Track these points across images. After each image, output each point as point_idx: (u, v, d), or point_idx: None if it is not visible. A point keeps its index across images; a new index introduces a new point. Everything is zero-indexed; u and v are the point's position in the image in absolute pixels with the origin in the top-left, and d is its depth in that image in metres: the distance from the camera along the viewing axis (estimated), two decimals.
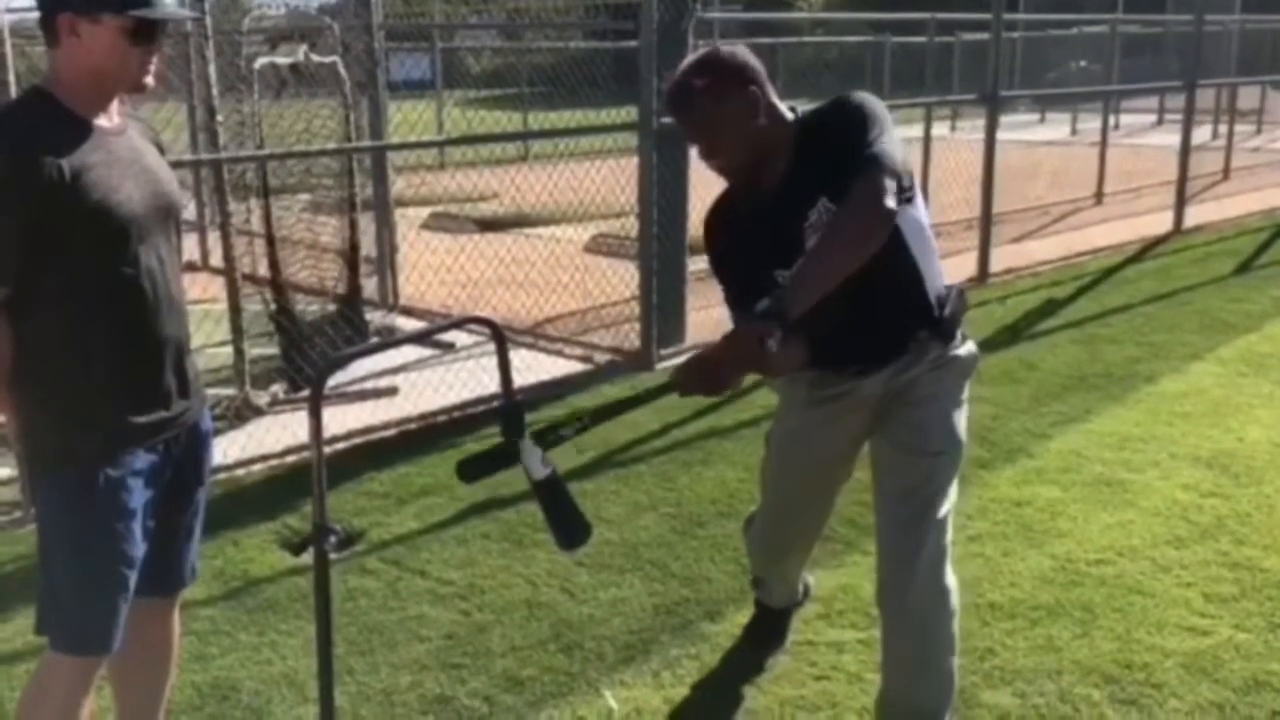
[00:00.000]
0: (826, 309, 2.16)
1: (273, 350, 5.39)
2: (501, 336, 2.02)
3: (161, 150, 2.30)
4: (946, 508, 2.46)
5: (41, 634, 2.18)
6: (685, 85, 2.32)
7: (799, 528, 2.82)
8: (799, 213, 2.32)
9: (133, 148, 2.12)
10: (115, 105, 2.12)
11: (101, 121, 2.07)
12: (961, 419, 2.51)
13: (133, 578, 2.14)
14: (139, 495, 2.13)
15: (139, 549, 2.14)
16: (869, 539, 3.47)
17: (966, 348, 2.51)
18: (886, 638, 2.52)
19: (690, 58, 2.43)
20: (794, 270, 2.17)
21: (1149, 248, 8.65)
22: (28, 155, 1.96)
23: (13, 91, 3.67)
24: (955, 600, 2.47)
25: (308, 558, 3.49)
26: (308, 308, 5.50)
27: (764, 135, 2.34)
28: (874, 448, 2.57)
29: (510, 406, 2.03)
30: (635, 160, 5.68)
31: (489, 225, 9.37)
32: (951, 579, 2.47)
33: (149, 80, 2.07)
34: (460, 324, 2.11)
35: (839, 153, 2.21)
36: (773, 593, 3.03)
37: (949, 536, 2.47)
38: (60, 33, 2.01)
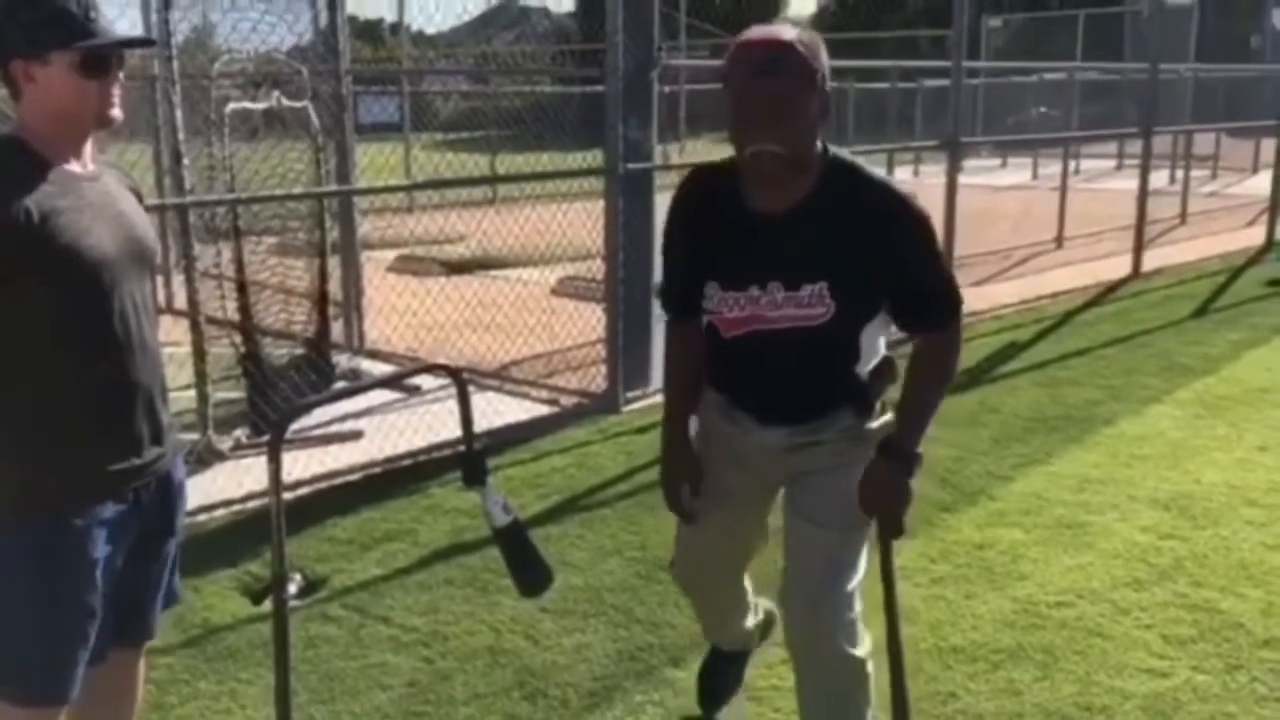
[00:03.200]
0: (763, 361, 2.24)
1: (236, 394, 5.36)
2: (463, 384, 2.03)
3: (139, 198, 2.30)
4: (855, 580, 2.40)
5: None
6: (787, 44, 2.09)
7: (711, 573, 2.68)
8: (781, 267, 2.19)
9: (106, 193, 2.12)
10: (89, 150, 2.12)
11: (74, 167, 2.07)
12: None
13: (93, 629, 2.11)
14: (103, 545, 2.10)
15: (99, 600, 2.11)
16: None
17: (882, 420, 2.42)
18: (801, 707, 2.50)
19: (784, 28, 2.24)
20: (904, 411, 2.30)
21: (1108, 291, 8.78)
22: (3, 190, 1.95)
23: None
24: (869, 665, 2.42)
25: (269, 605, 3.47)
26: (275, 351, 5.47)
27: (813, 142, 2.18)
28: (785, 517, 2.50)
29: (471, 455, 2.04)
30: (602, 204, 5.72)
31: (456, 268, 9.37)
32: (863, 646, 2.41)
33: (115, 113, 2.07)
34: (423, 371, 2.12)
35: (889, 260, 2.18)
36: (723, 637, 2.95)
37: (858, 607, 2.41)
38: (19, 81, 2.02)
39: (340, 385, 6.01)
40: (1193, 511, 4.29)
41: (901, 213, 2.19)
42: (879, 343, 2.38)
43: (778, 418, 2.36)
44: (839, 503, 2.35)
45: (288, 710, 1.81)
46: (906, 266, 2.21)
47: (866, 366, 2.36)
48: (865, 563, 2.42)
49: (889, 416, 2.42)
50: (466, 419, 2.03)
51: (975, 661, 3.22)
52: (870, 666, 2.42)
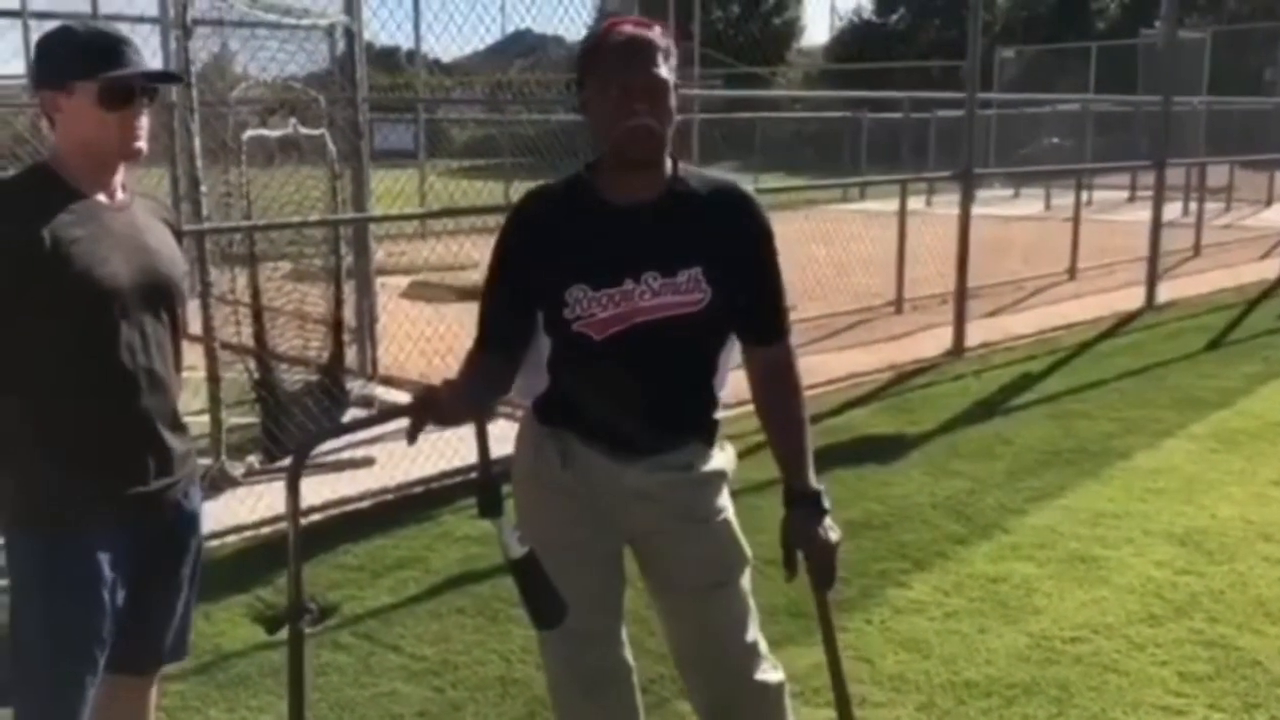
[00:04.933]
0: (634, 364, 2.14)
1: (249, 419, 5.37)
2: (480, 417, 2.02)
3: (175, 231, 2.31)
4: (754, 633, 2.32)
5: (3, 705, 2.15)
6: (658, 35, 2.11)
7: (596, 667, 2.36)
8: (654, 254, 2.13)
9: (131, 225, 2.14)
10: (119, 180, 2.15)
11: (100, 197, 2.10)
12: (736, 527, 2.31)
13: (99, 652, 2.11)
14: (107, 569, 2.10)
15: (106, 623, 2.11)
16: (844, 614, 3.47)
17: (726, 455, 2.33)
18: None
19: (625, 17, 2.26)
20: (789, 450, 2.22)
21: (1122, 323, 8.76)
22: (8, 220, 2.00)
23: None
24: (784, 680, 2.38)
25: (281, 635, 3.47)
26: (289, 376, 5.49)
27: (671, 134, 2.14)
28: (661, 598, 2.36)
29: (487, 485, 2.03)
30: None
31: (468, 294, 9.39)
32: (778, 668, 2.37)
33: (139, 145, 2.10)
34: None
35: (749, 252, 2.20)
36: None
37: (767, 660, 2.34)
38: (49, 112, 2.08)
39: (354, 413, 6.02)
40: (1208, 546, 4.26)
41: (758, 212, 2.23)
42: (728, 370, 2.29)
43: (634, 445, 2.20)
44: (716, 558, 2.27)
45: None
46: (762, 266, 2.22)
47: (721, 388, 2.29)
48: (753, 604, 2.34)
49: (731, 451, 2.35)
50: (483, 449, 2.03)
51: (989, 696, 3.19)
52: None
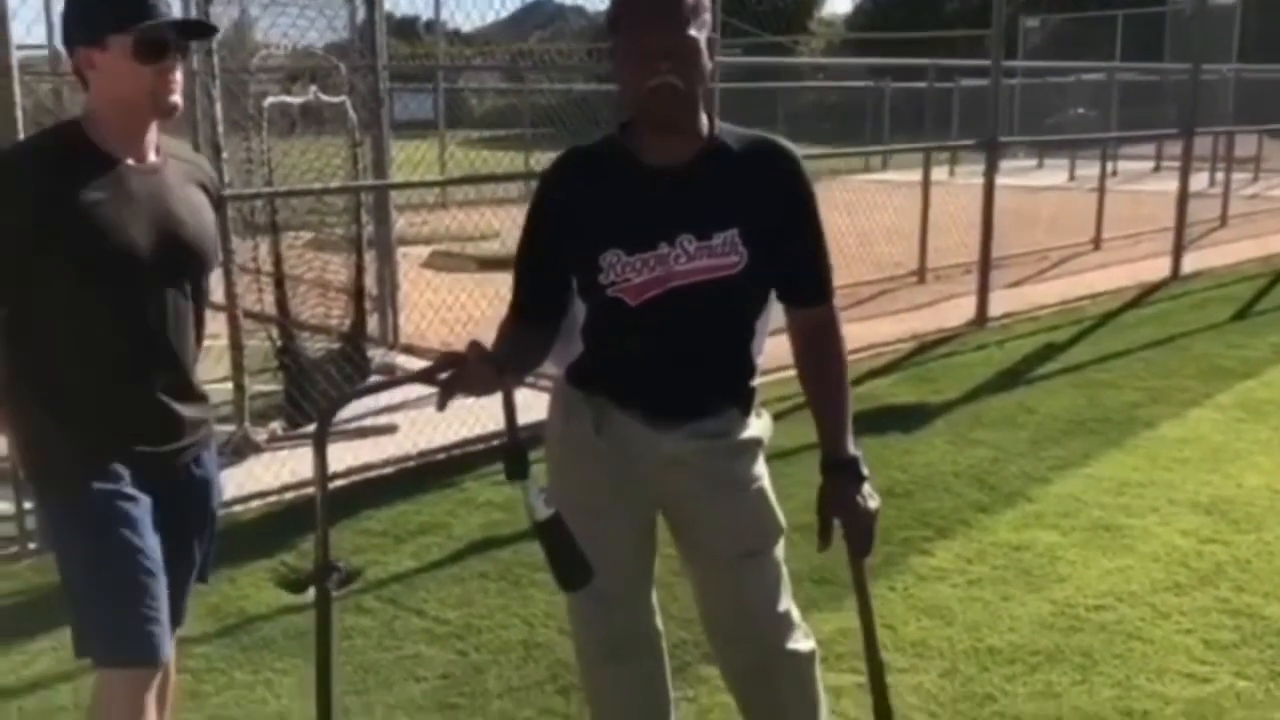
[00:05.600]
0: (671, 327, 2.10)
1: (272, 387, 5.40)
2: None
3: (212, 194, 2.25)
4: (786, 602, 2.29)
5: (82, 655, 2.15)
6: None
7: (615, 631, 2.35)
8: (689, 217, 2.08)
9: (159, 190, 2.10)
10: (152, 141, 2.11)
11: (129, 159, 2.06)
12: (772, 496, 2.27)
13: (157, 585, 2.08)
14: (134, 508, 2.09)
15: (153, 555, 2.09)
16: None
17: (762, 423, 2.29)
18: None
19: None
20: (828, 416, 2.17)
21: (1147, 293, 8.69)
22: (29, 181, 1.98)
23: (20, 128, 3.70)
24: (816, 651, 2.36)
25: (304, 598, 3.49)
26: (311, 344, 5.51)
27: (704, 89, 2.07)
28: (687, 565, 2.33)
29: (514, 449, 2.02)
30: None
31: (489, 264, 9.39)
32: (810, 638, 2.34)
33: (174, 99, 2.05)
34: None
35: (790, 213, 2.13)
36: None
37: (799, 629, 2.32)
38: (83, 69, 2.04)
39: (375, 378, 6.04)
40: (1234, 516, 4.22)
41: (799, 168, 2.16)
42: (765, 336, 2.25)
43: (671, 411, 2.17)
44: (750, 527, 2.23)
45: (329, 698, 1.81)
46: (803, 224, 2.14)
47: (759, 355, 2.24)
48: (786, 574, 2.31)
49: (768, 419, 2.30)
50: (510, 412, 2.02)
51: (1013, 663, 3.18)
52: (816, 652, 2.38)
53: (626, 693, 2.39)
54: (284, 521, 4.16)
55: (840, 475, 2.15)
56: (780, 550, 2.29)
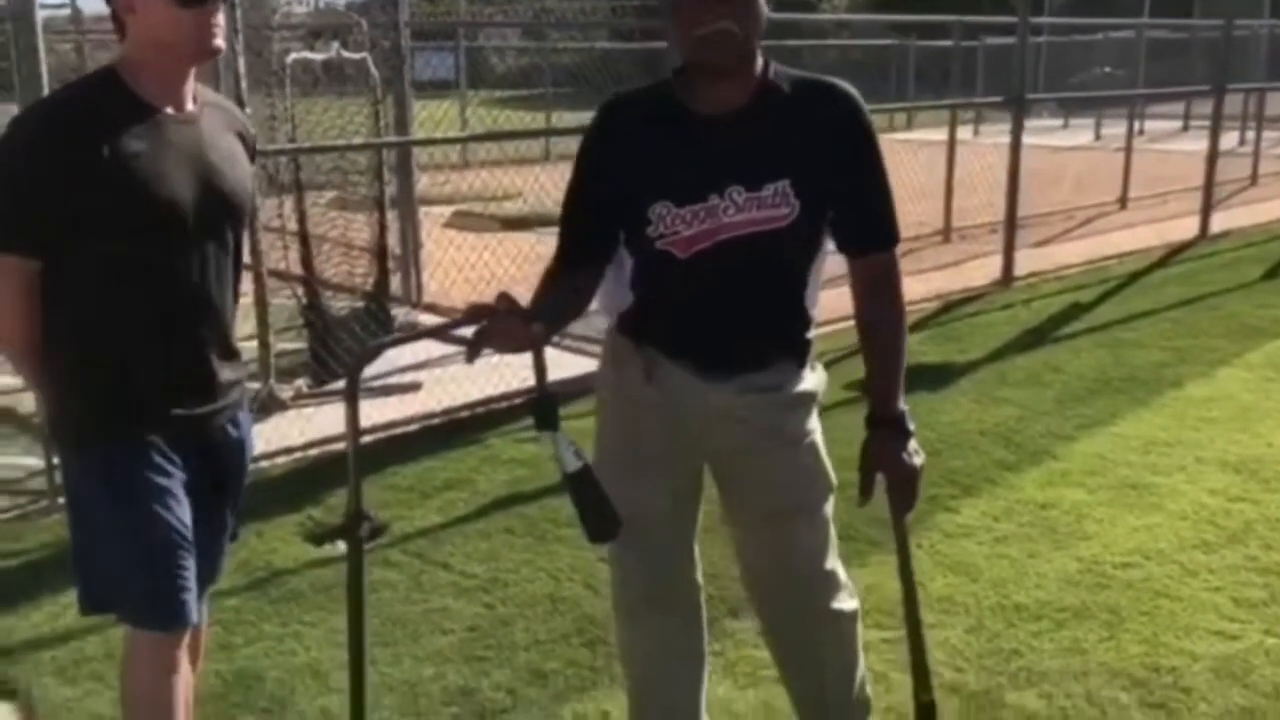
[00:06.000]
0: (722, 280, 2.06)
1: (297, 345, 5.42)
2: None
3: (248, 142, 2.21)
4: (833, 560, 2.26)
5: (88, 614, 2.17)
6: None
7: (658, 585, 2.31)
8: (739, 168, 2.01)
9: (198, 139, 2.04)
10: (190, 90, 2.05)
11: (167, 107, 2.01)
12: (823, 452, 2.22)
13: (186, 553, 2.08)
14: (164, 474, 2.07)
15: (182, 523, 2.07)
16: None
17: (817, 377, 2.23)
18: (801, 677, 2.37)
19: None
20: (877, 369, 2.13)
21: (1175, 253, 8.59)
22: (68, 131, 1.93)
23: (45, 84, 3.69)
24: (858, 610, 2.33)
25: (330, 550, 3.51)
26: (335, 302, 5.52)
27: (759, 35, 2.00)
28: (732, 519, 2.28)
29: (544, 399, 2.01)
30: None
31: (511, 224, 9.38)
32: (854, 597, 2.31)
33: (217, 43, 2.00)
34: None
35: (849, 160, 2.04)
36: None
37: (845, 589, 2.28)
38: (121, 15, 1.98)
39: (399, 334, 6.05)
40: (1263, 475, 4.19)
41: (857, 110, 2.06)
42: (818, 288, 2.20)
43: (723, 363, 2.12)
44: (798, 481, 2.18)
45: (361, 646, 1.82)
46: (861, 168, 2.06)
47: (813, 306, 2.19)
48: (833, 531, 2.27)
49: (823, 374, 2.25)
50: (539, 363, 2.01)
51: (1039, 620, 3.18)
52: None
53: (662, 645, 2.36)
54: (310, 477, 4.19)
55: (887, 430, 2.10)
56: (829, 507, 2.23)
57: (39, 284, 2.01)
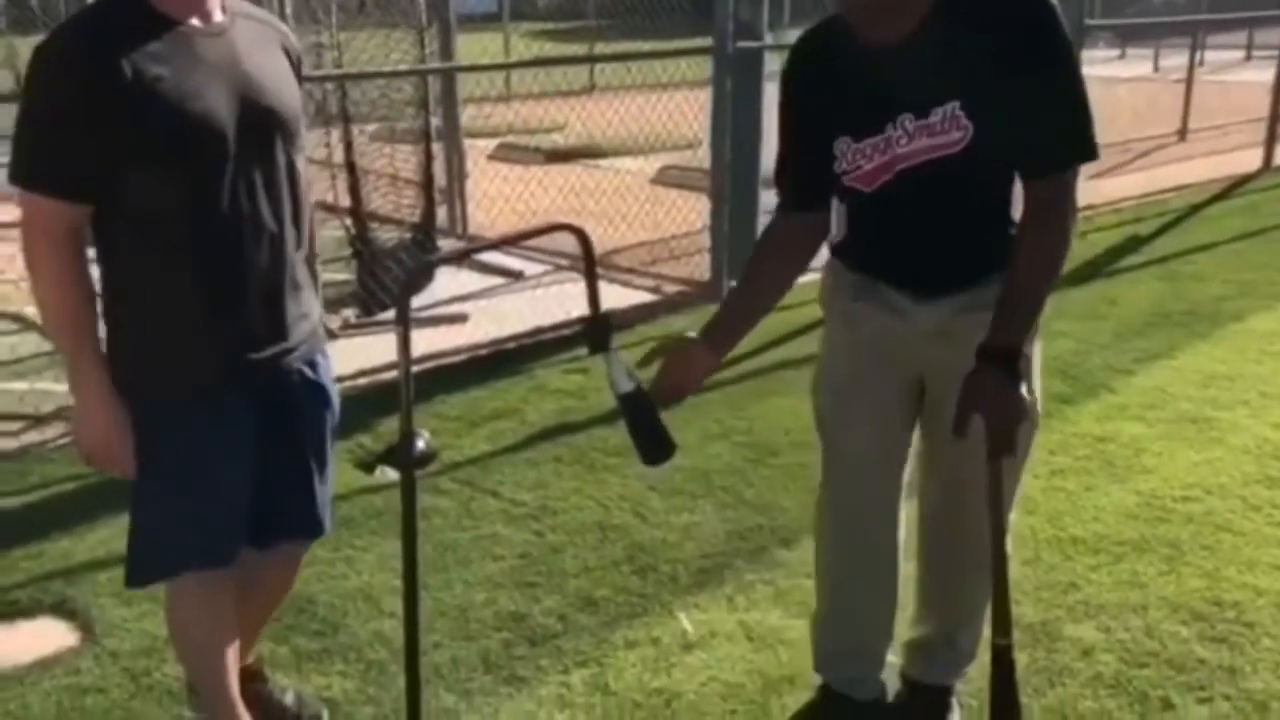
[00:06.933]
0: (911, 209, 2.00)
1: (344, 276, 5.41)
2: (589, 244, 1.96)
3: (290, 57, 2.05)
4: (1013, 493, 2.20)
5: (134, 586, 2.14)
6: None
7: (870, 497, 2.30)
8: (908, 96, 1.93)
9: (231, 51, 1.90)
10: (217, 1, 1.92)
11: (193, 19, 1.88)
12: (1034, 377, 2.14)
13: (225, 494, 2.04)
14: (221, 441, 2.00)
15: (226, 477, 2.02)
16: None
17: None
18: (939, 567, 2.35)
19: None
20: (1010, 297, 1.94)
21: (1236, 185, 8.35)
22: (87, 58, 1.78)
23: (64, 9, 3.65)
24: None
25: (380, 477, 3.52)
26: (382, 234, 5.50)
27: None
28: (925, 439, 2.23)
29: (597, 320, 1.98)
30: (704, 93, 5.55)
31: (555, 156, 9.30)
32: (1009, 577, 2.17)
33: None
34: (548, 230, 2.03)
35: (1016, 76, 1.85)
36: (851, 664, 2.43)
37: (1010, 533, 2.16)
38: None
39: (446, 269, 6.03)
40: None
41: (1043, 19, 1.86)
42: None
43: (930, 286, 2.07)
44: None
45: (414, 566, 1.80)
46: (1034, 83, 1.87)
47: (1012, 224, 2.07)
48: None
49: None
50: (592, 281, 1.97)
51: (1097, 553, 3.12)
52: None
53: (864, 562, 2.34)
54: (359, 406, 4.17)
55: (989, 363, 1.92)
56: (1028, 435, 2.12)
57: (95, 236, 1.89)
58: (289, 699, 2.48)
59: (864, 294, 2.15)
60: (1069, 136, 1.92)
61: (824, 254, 2.26)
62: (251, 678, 2.43)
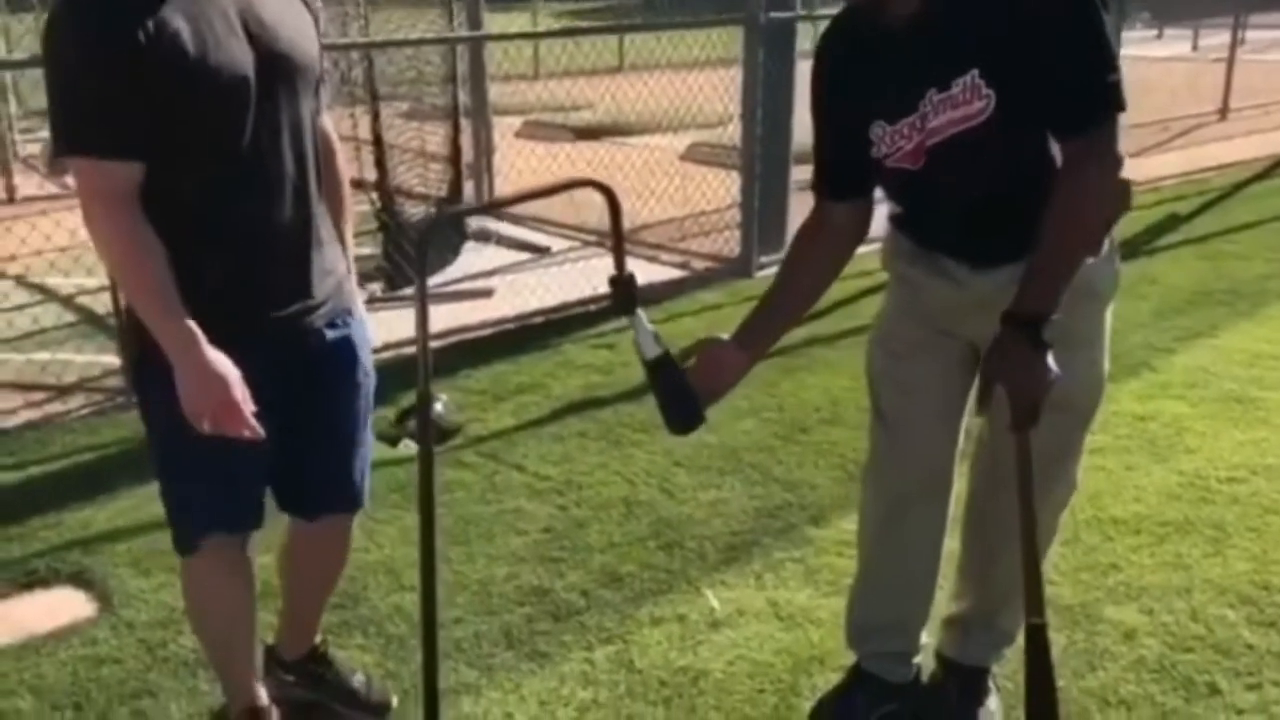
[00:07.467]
0: (953, 184, 1.93)
1: (369, 250, 5.35)
2: (616, 202, 1.88)
3: (308, 6, 2.00)
4: (1069, 474, 2.15)
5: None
6: None
7: (919, 468, 2.21)
8: (930, 71, 1.86)
9: (248, 1, 1.85)
10: None
11: None
12: (1099, 350, 2.06)
13: (248, 490, 2.02)
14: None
15: (248, 460, 1.96)
16: None
17: (1107, 268, 2.03)
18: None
19: None
20: (1035, 265, 1.84)
21: (1279, 164, 8.17)
22: (109, 18, 1.72)
23: None
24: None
25: (404, 450, 3.45)
26: (409, 209, 5.45)
27: None
28: (981, 409, 2.10)
29: (623, 281, 1.90)
30: (733, 71, 5.46)
31: (583, 133, 9.22)
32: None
33: None
34: (575, 186, 1.95)
35: (1033, 32, 1.77)
36: (886, 640, 2.35)
37: (1060, 519, 2.21)
38: None
39: (471, 245, 5.97)
40: None
41: None
42: None
43: (985, 256, 1.99)
44: (1068, 377, 1.88)
45: (432, 537, 1.74)
46: (1059, 42, 1.77)
47: None
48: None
49: (1116, 262, 2.06)
50: (618, 240, 1.89)
51: (1138, 534, 3.03)
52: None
53: (913, 531, 2.25)
54: (383, 379, 4.02)
55: (1012, 329, 1.83)
56: (1087, 410, 2.08)
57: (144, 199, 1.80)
58: (357, 681, 2.42)
59: (920, 261, 2.10)
60: (1090, 89, 1.81)
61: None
62: (314, 659, 2.39)
